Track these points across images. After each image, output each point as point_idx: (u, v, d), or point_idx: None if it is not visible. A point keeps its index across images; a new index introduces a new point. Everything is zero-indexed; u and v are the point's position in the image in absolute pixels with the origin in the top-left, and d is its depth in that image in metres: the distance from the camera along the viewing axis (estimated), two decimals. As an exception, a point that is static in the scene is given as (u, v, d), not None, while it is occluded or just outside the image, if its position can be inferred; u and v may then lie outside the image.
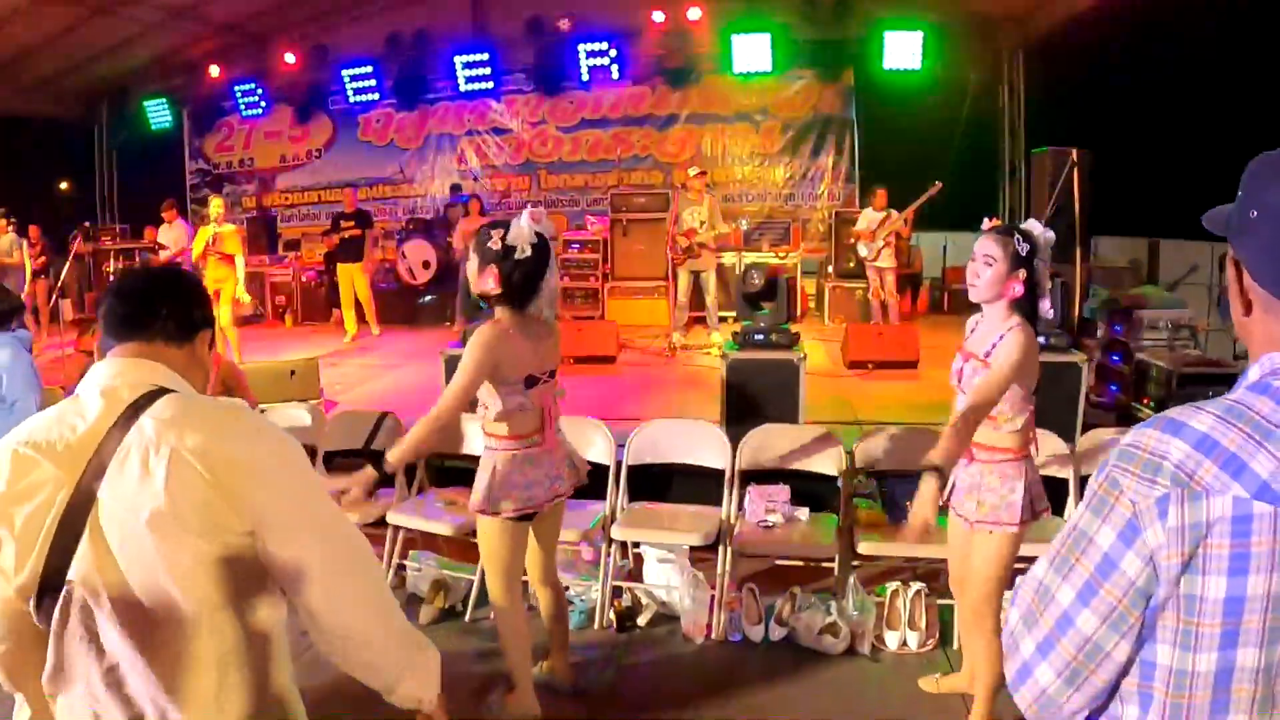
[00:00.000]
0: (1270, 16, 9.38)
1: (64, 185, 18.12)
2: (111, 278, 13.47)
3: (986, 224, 3.87)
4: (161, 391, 1.83)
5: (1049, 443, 4.97)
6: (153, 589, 1.70)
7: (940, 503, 3.70)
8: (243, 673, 1.80)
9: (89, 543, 1.69)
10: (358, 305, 12.85)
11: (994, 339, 3.73)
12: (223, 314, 10.65)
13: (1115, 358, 8.25)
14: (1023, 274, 3.70)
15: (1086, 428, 6.04)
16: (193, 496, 1.69)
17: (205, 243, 10.93)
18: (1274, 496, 1.35)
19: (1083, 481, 5.23)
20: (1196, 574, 1.38)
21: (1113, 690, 1.51)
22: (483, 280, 3.79)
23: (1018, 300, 3.75)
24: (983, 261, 3.77)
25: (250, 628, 1.81)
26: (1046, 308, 3.80)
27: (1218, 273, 10.13)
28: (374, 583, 1.95)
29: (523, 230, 3.75)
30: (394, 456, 3.64)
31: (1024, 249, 3.71)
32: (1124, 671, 1.48)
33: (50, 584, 1.70)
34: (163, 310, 1.99)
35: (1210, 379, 7.04)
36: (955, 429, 3.57)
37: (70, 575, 1.69)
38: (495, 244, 3.76)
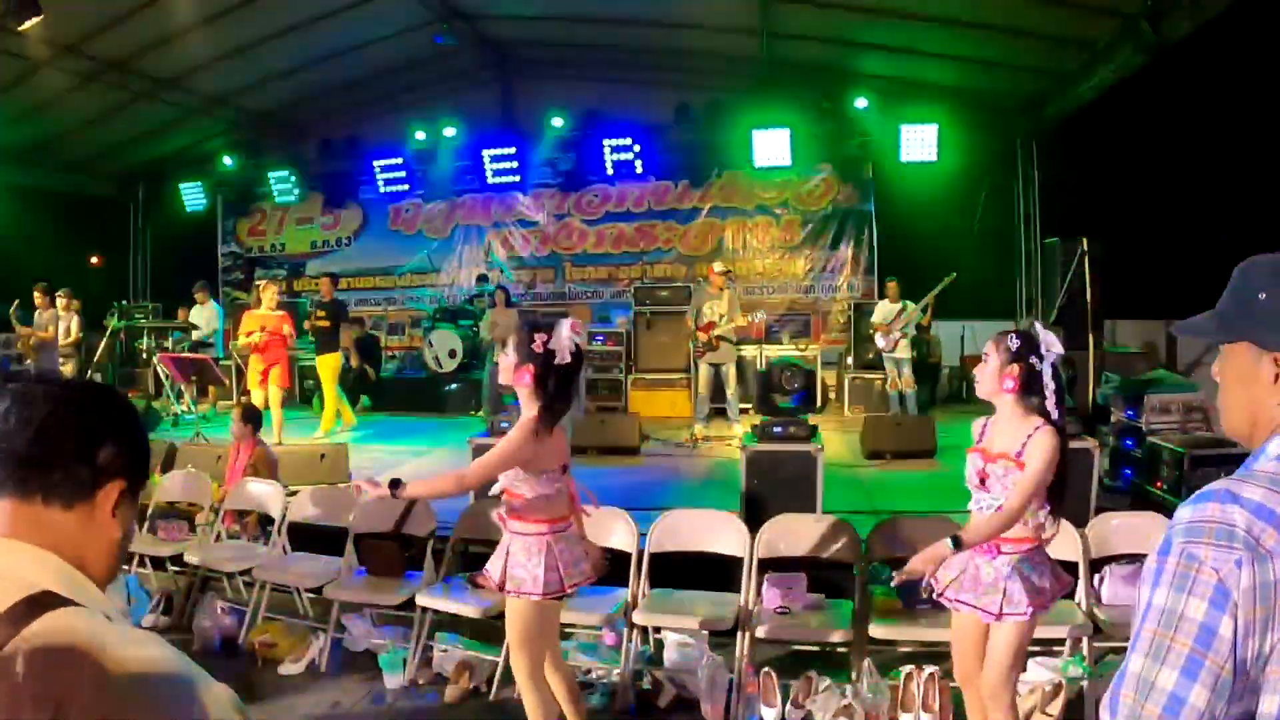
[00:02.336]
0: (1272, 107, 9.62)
1: (96, 260, 18.53)
2: (144, 355, 13.75)
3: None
4: (45, 603, 1.30)
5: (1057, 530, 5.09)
6: None
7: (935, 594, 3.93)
8: None
9: None
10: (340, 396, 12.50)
11: (1022, 438, 3.89)
12: (271, 395, 10.88)
13: (1129, 442, 8.34)
14: (1016, 369, 3.89)
15: (1100, 511, 6.14)
16: None
17: (259, 328, 11.01)
18: None
19: (1092, 565, 5.34)
20: (1270, 632, 1.48)
21: None
22: (518, 376, 4.04)
23: (1028, 398, 3.92)
24: (982, 359, 4.03)
25: None
26: (1050, 406, 3.94)
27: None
28: None
29: (564, 340, 4.03)
30: (410, 490, 3.98)
31: (1014, 345, 3.91)
32: None
33: None
34: (59, 453, 1.42)
35: (1223, 460, 7.14)
36: (992, 522, 3.78)
37: None
38: (539, 346, 4.02)
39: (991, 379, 3.98)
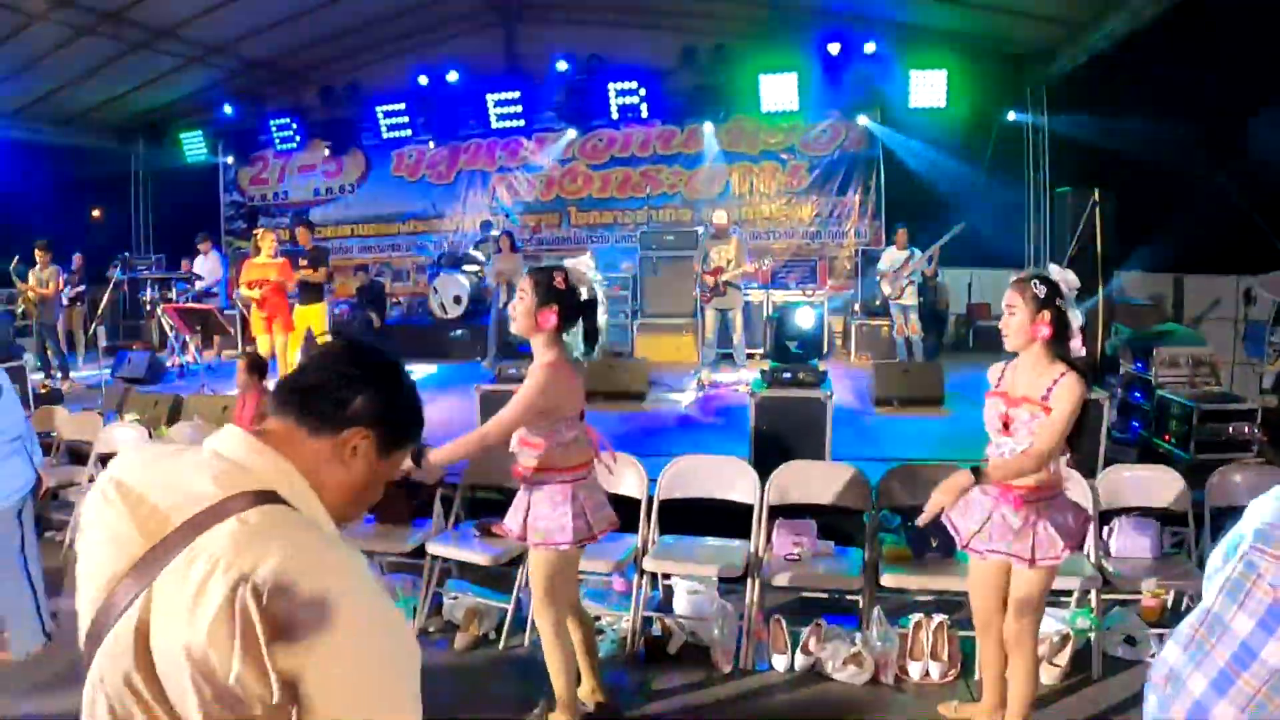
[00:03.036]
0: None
1: (96, 213, 18.50)
2: (148, 307, 13.74)
3: (1013, 278, 4.03)
4: (269, 498, 1.59)
5: (1069, 477, 5.10)
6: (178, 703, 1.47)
7: (962, 544, 3.94)
8: None
9: (133, 627, 1.49)
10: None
11: (1047, 383, 3.87)
12: (278, 343, 10.76)
13: (1137, 394, 8.33)
14: (1047, 315, 3.86)
15: (1108, 463, 6.16)
16: (237, 654, 1.43)
17: (260, 280, 10.75)
18: None
19: (1103, 516, 5.36)
20: None
21: None
22: (543, 318, 4.00)
23: (1054, 344, 3.91)
24: (1007, 312, 3.96)
25: None
26: (1077, 346, 3.94)
27: (1242, 307, 10.24)
28: None
29: (584, 274, 4.01)
30: (434, 456, 3.87)
31: (1041, 291, 3.88)
32: None
33: (93, 640, 1.55)
34: (321, 389, 1.74)
35: (1230, 415, 7.14)
36: (1021, 462, 3.80)
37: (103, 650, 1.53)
38: (559, 284, 3.99)
39: (1022, 330, 3.93)
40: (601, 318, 4.18)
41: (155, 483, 1.61)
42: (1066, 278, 3.97)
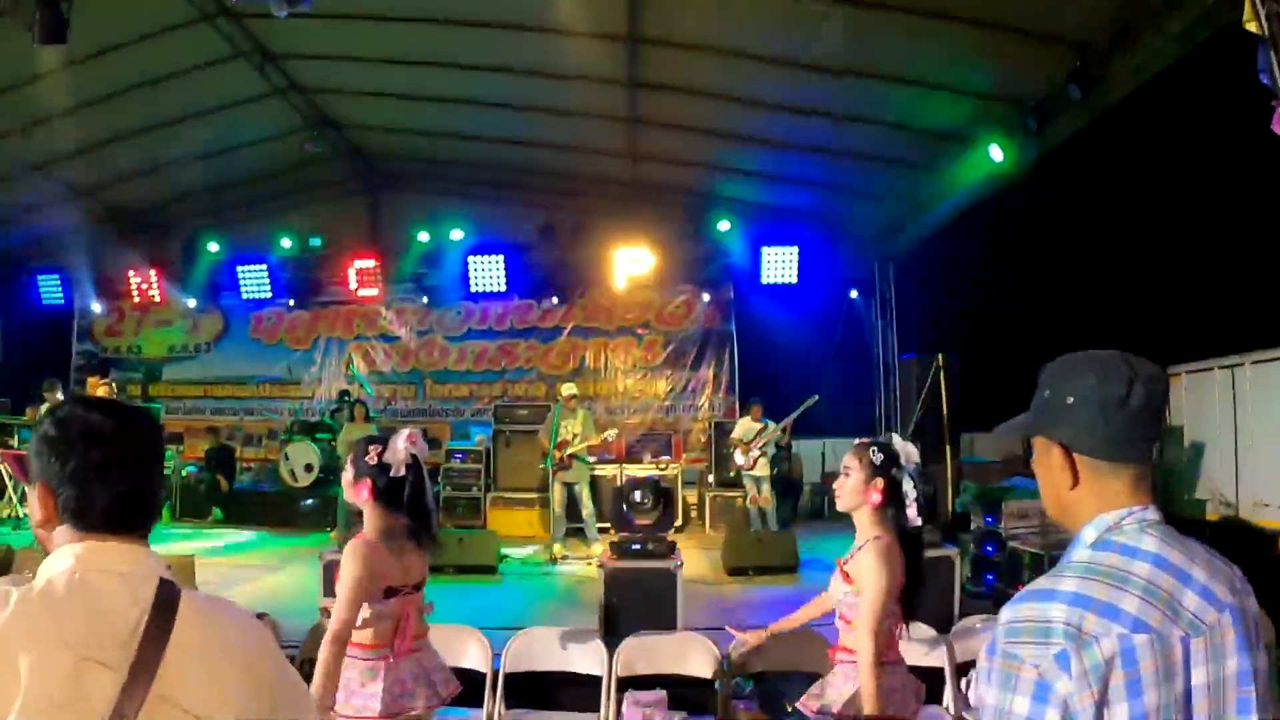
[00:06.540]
0: (1109, 228, 10.11)
1: (-57, 351, 17.62)
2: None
3: (856, 441, 4.06)
4: (169, 585, 1.89)
5: (924, 633, 5.07)
6: None
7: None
8: None
9: None
10: None
11: (854, 550, 3.90)
12: None
13: (989, 548, 8.49)
14: (880, 482, 3.88)
15: (964, 617, 6.17)
16: (244, 691, 1.82)
17: None
18: (1146, 627, 1.63)
19: (959, 669, 5.31)
20: (1109, 706, 1.60)
21: None
22: (356, 491, 3.87)
23: (882, 509, 3.91)
24: (843, 473, 3.99)
25: None
26: (913, 515, 3.95)
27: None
28: None
29: (399, 450, 3.86)
30: (326, 701, 3.58)
31: (878, 458, 3.90)
32: None
33: None
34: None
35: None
36: (863, 673, 3.71)
37: None
38: (372, 459, 3.85)
39: (855, 493, 3.93)
40: (428, 497, 4.01)
41: (91, 626, 1.78)
42: (908, 450, 4.02)
